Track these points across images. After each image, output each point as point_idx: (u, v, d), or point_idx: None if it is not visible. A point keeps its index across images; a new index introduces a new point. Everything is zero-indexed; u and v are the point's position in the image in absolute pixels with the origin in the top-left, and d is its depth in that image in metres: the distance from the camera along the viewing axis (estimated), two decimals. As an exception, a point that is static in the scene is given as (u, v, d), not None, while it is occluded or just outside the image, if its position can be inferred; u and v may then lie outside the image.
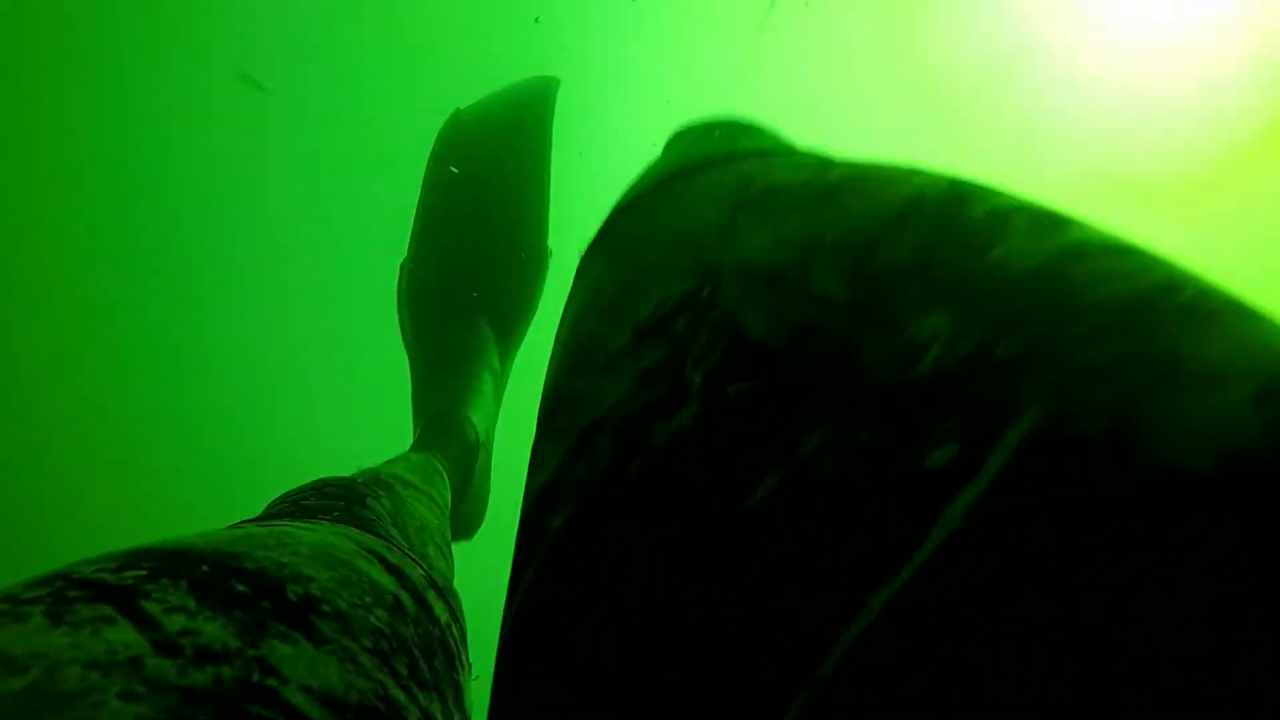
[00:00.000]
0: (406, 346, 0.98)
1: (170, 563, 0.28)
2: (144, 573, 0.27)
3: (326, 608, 0.29)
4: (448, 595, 0.42)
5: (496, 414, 0.93)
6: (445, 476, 0.72)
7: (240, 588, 0.28)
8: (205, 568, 0.28)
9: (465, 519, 0.84)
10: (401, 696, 0.29)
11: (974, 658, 0.14)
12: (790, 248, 0.25)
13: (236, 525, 0.36)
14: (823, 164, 0.29)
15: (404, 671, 0.31)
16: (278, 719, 0.24)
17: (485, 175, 1.04)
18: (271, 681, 0.25)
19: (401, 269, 1.01)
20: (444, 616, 0.39)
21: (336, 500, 0.42)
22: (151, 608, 0.25)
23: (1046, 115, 2.64)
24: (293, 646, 0.27)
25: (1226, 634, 0.13)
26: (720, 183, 0.32)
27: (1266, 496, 0.14)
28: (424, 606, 0.37)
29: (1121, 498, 0.15)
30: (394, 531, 0.45)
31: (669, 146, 0.45)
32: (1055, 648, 0.14)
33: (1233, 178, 2.56)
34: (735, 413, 0.21)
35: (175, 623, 0.25)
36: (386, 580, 0.35)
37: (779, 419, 0.20)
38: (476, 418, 0.83)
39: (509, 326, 0.97)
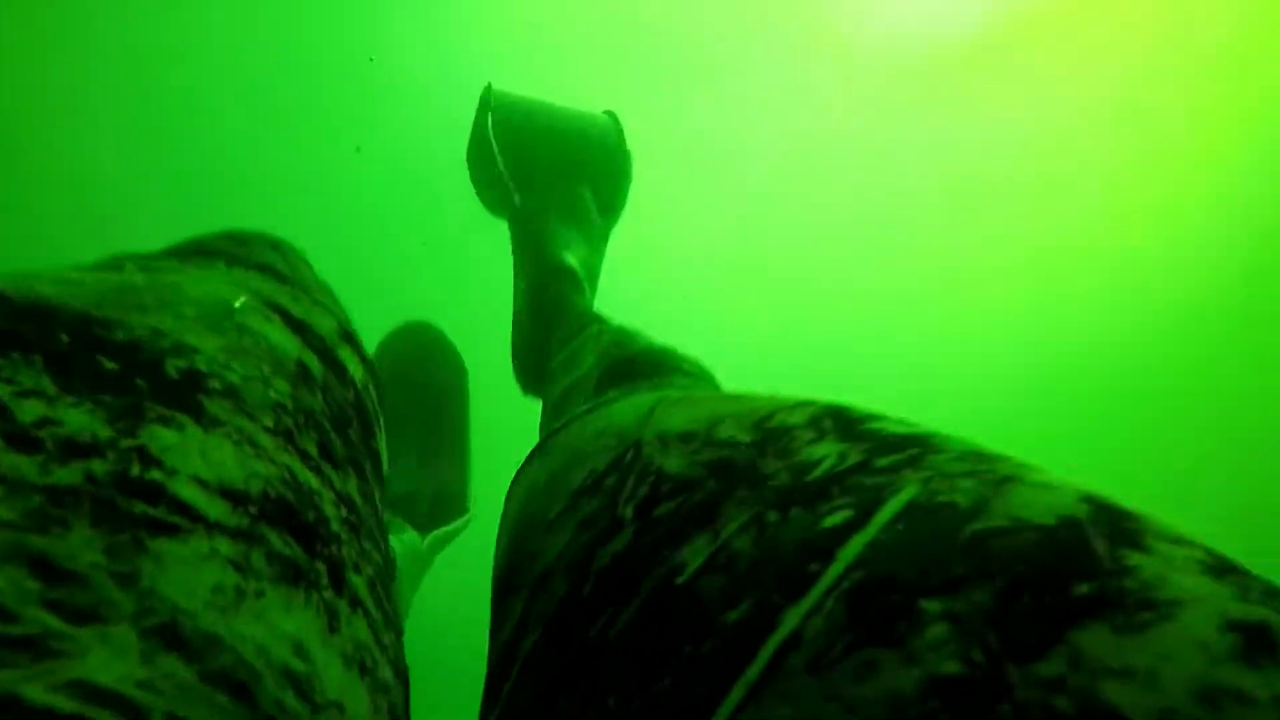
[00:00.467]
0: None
1: (21, 328, 0.23)
2: None
3: (216, 383, 0.26)
4: (360, 344, 0.39)
5: (416, 584, 0.91)
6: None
7: (109, 365, 0.24)
8: (65, 337, 0.24)
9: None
10: (313, 480, 0.27)
11: (874, 655, 0.18)
12: (701, 418, 0.31)
13: (114, 268, 0.31)
14: (733, 392, 0.37)
15: (313, 451, 0.28)
16: (166, 517, 0.22)
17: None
18: (155, 474, 0.22)
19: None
20: (358, 374, 0.36)
21: (245, 244, 0.37)
22: (1, 391, 0.21)
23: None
24: (178, 432, 0.23)
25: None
26: (641, 401, 0.38)
27: (1095, 533, 0.19)
28: (334, 368, 0.34)
29: (981, 535, 0.19)
30: (305, 272, 0.41)
31: (598, 382, 0.53)
32: (930, 641, 0.18)
33: (983, 58, 2.60)
34: (663, 524, 0.26)
35: (30, 410, 0.21)
36: (288, 342, 0.31)
37: (699, 520, 0.25)
38: (397, 548, 0.80)
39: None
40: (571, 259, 0.79)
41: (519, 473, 0.41)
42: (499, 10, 2.65)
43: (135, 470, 0.22)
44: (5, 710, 0.16)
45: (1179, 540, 0.19)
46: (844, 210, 2.90)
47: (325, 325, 0.35)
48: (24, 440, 0.21)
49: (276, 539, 0.24)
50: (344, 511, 0.28)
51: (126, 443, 0.22)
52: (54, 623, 0.18)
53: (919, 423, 0.27)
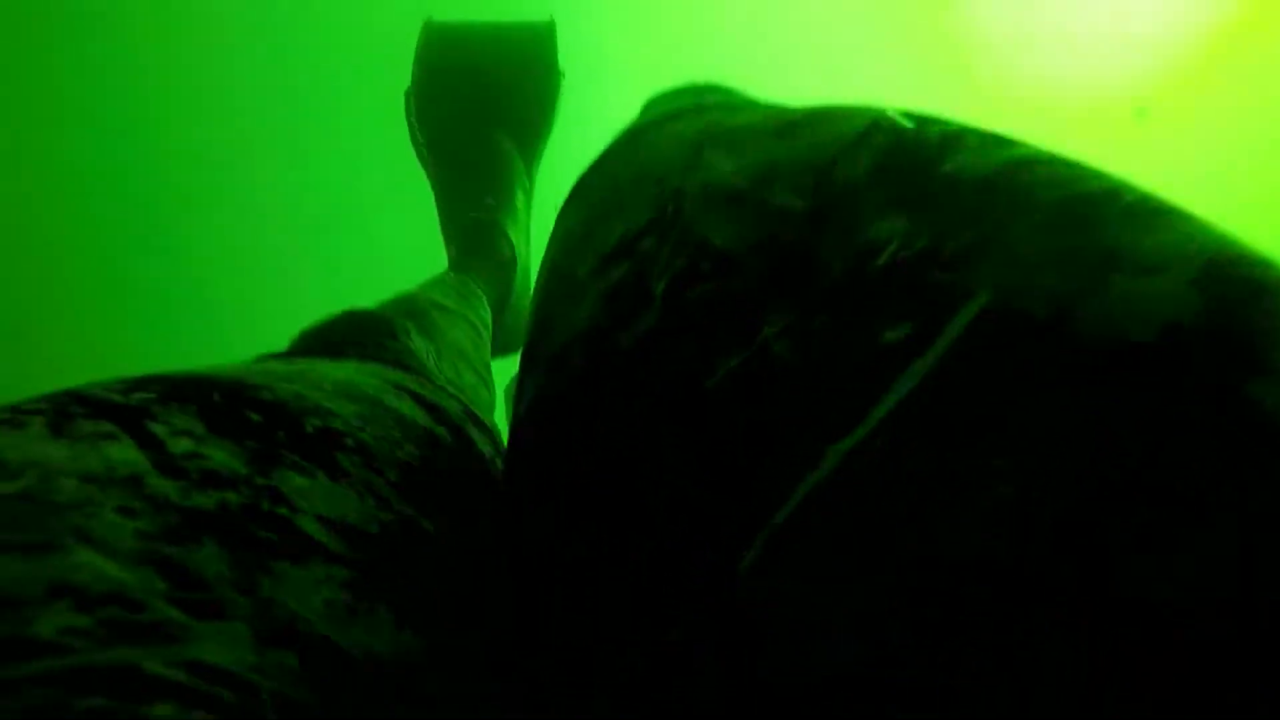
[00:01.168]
0: (427, 173, 0.96)
1: (182, 389, 0.27)
2: (152, 395, 0.26)
3: (349, 441, 0.28)
4: (489, 429, 0.41)
5: (529, 230, 0.92)
6: (483, 296, 0.71)
7: (254, 417, 0.27)
8: (218, 396, 0.27)
9: (507, 333, 0.85)
10: (429, 525, 0.28)
11: (923, 506, 0.16)
12: (752, 171, 0.26)
13: (257, 360, 0.35)
14: (783, 109, 0.31)
15: (435, 504, 0.30)
16: (289, 544, 0.23)
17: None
18: (283, 510, 0.24)
19: (407, 96, 0.98)
20: (487, 449, 0.38)
21: (365, 333, 0.41)
22: (157, 429, 0.25)
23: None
24: (309, 479, 0.26)
25: (1162, 476, 0.14)
26: (685, 129, 0.33)
27: (1204, 357, 0.15)
28: (463, 441, 0.36)
29: (1066, 363, 0.16)
30: (428, 364, 0.44)
31: (643, 110, 0.48)
32: (1008, 497, 0.15)
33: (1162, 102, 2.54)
34: (694, 311, 0.23)
35: (181, 445, 0.24)
36: (419, 414, 0.34)
37: (737, 313, 0.22)
38: (511, 231, 0.82)
39: (529, 140, 0.95)
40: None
41: (558, 217, 0.37)
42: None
43: (266, 505, 0.24)
44: (125, 679, 0.17)
45: None
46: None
47: (452, 407, 0.37)
48: (172, 469, 0.23)
49: (392, 569, 0.25)
50: (456, 561, 0.28)
51: (261, 481, 0.25)
52: (176, 614, 0.20)
53: (1010, 143, 0.22)
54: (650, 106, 0.46)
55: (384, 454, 0.29)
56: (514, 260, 0.79)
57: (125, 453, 0.23)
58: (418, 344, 0.44)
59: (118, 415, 0.25)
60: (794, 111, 0.29)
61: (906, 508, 0.16)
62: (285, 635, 0.21)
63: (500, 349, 0.85)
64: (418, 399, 0.35)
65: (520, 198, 0.90)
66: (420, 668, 0.23)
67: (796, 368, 0.20)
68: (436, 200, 0.96)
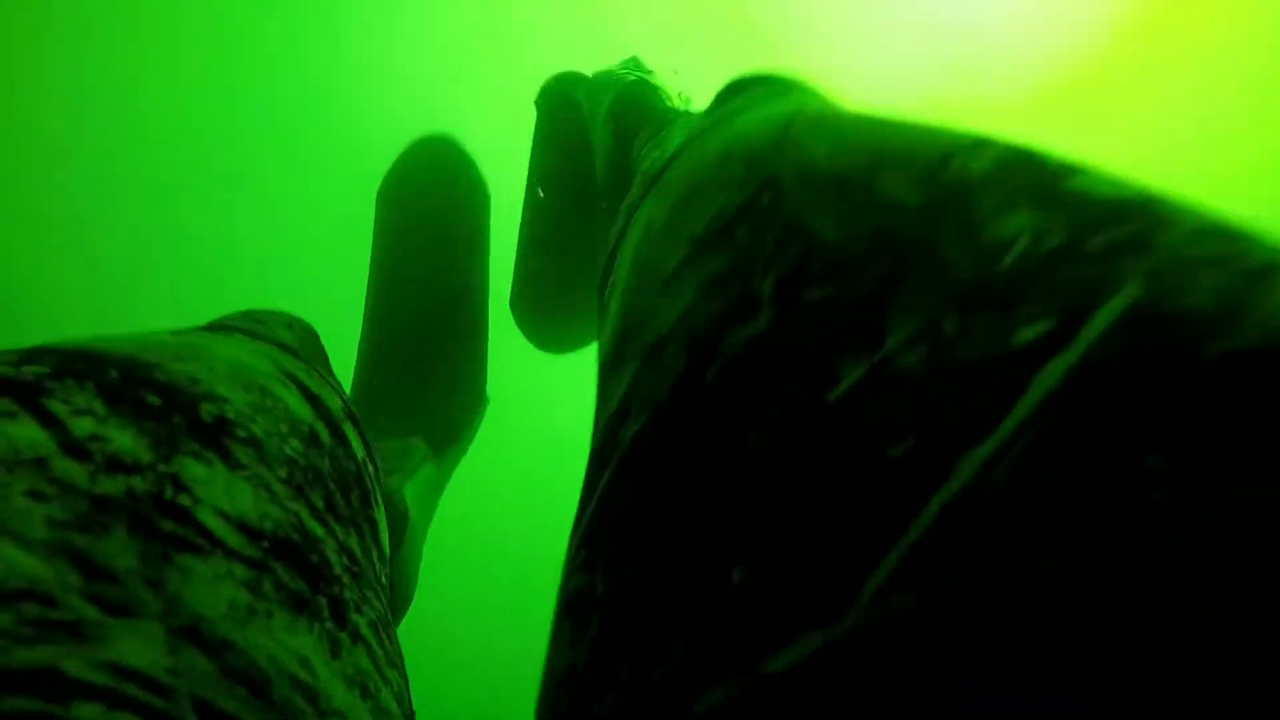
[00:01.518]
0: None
1: (75, 363, 0.26)
2: (45, 370, 0.25)
3: (241, 432, 0.28)
4: (362, 427, 0.41)
5: (430, 513, 0.88)
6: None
7: (152, 399, 0.26)
8: (114, 373, 0.27)
9: (393, 599, 0.81)
10: (318, 529, 0.29)
11: (1068, 517, 0.14)
12: (854, 155, 0.25)
13: (148, 332, 0.34)
14: (882, 116, 0.29)
15: (320, 504, 0.30)
16: (192, 538, 0.24)
17: (426, 288, 0.98)
18: (184, 500, 0.24)
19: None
20: (360, 452, 0.38)
21: (260, 323, 0.40)
22: (56, 407, 0.24)
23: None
24: (206, 467, 0.26)
25: None
26: (771, 111, 0.31)
27: None
28: (341, 440, 0.36)
29: (1233, 362, 0.14)
30: (317, 350, 0.44)
31: (716, 98, 0.45)
32: (1157, 506, 0.13)
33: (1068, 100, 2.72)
34: (813, 315, 0.21)
35: (83, 426, 0.24)
36: (303, 410, 0.34)
37: (859, 318, 0.20)
38: (410, 495, 0.80)
39: (445, 442, 0.92)
40: (636, 75, 0.77)
41: (630, 217, 0.35)
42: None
43: (169, 493, 0.24)
44: (46, 680, 0.18)
45: None
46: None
47: (334, 403, 0.37)
48: (77, 451, 0.23)
49: (284, 572, 0.26)
50: (345, 560, 0.29)
51: (163, 468, 0.25)
52: (91, 612, 0.20)
53: (1129, 182, 0.21)
54: (724, 94, 0.43)
55: (273, 449, 0.30)
56: (407, 519, 0.77)
57: (27, 431, 0.23)
58: (317, 345, 0.44)
59: (12, 390, 0.24)
60: (890, 116, 0.28)
61: (1050, 520, 0.14)
62: (194, 636, 0.21)
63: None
64: (304, 390, 0.35)
65: (425, 475, 0.84)
66: (320, 681, 0.24)
67: (926, 377, 0.18)
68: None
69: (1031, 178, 0.21)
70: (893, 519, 0.16)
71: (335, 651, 0.26)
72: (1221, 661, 0.12)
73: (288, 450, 0.30)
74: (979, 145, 0.23)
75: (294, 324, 0.42)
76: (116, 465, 0.24)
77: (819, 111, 0.29)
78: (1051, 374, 0.16)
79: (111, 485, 0.23)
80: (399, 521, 0.80)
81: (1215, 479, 0.13)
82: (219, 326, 0.39)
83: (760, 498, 0.19)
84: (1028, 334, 0.17)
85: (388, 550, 0.40)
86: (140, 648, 0.20)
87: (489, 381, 0.99)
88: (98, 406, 0.25)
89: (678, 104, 0.79)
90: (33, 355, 0.26)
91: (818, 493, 0.18)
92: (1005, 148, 0.22)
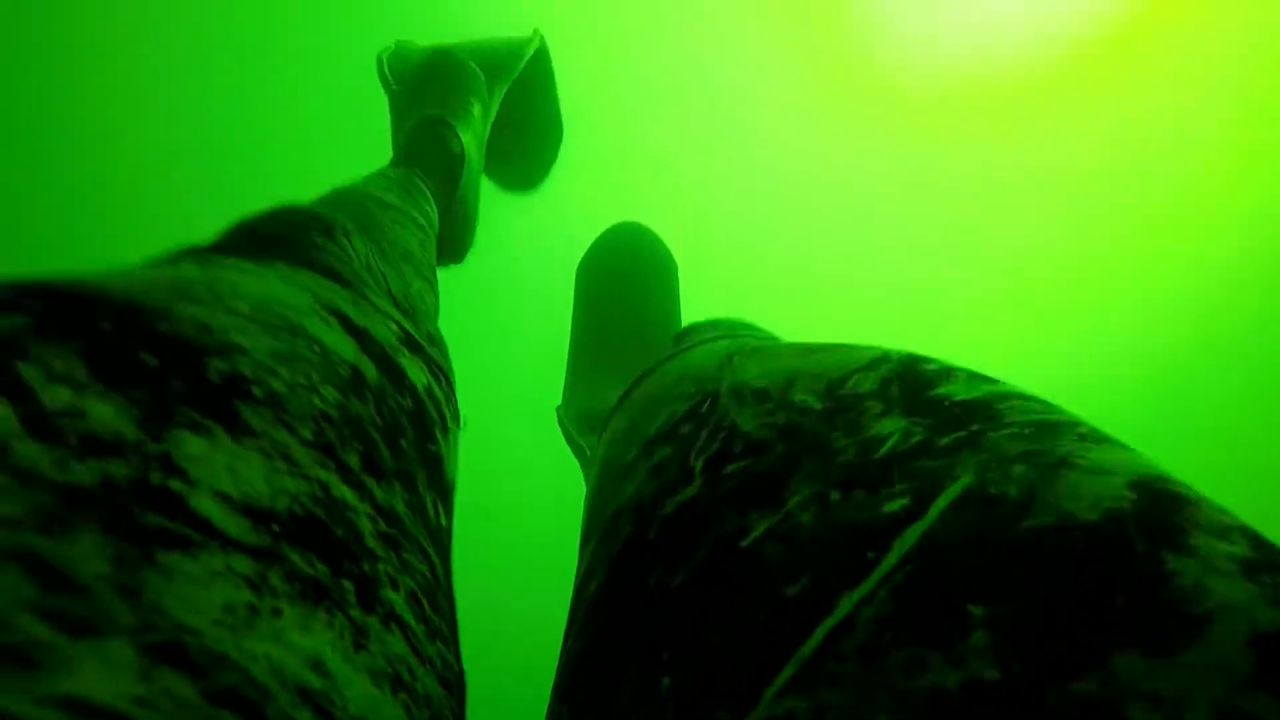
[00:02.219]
0: (387, 90, 0.91)
1: (66, 312, 0.23)
2: (29, 319, 0.22)
3: (257, 390, 0.25)
4: (426, 349, 0.38)
5: (483, 144, 0.88)
6: (429, 194, 0.66)
7: (148, 359, 0.23)
8: (107, 325, 0.23)
9: (454, 240, 0.81)
10: (349, 495, 0.26)
11: (917, 643, 0.19)
12: (776, 375, 0.32)
13: (170, 259, 0.30)
14: (803, 342, 0.37)
15: (355, 463, 0.27)
16: (181, 531, 0.21)
17: None
18: (176, 483, 0.21)
19: (380, 58, 0.94)
20: (420, 379, 0.35)
21: (299, 230, 0.37)
22: (29, 373, 0.21)
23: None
24: (207, 440, 0.23)
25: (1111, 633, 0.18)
26: (719, 347, 0.40)
27: (1136, 537, 0.20)
28: (392, 374, 0.33)
29: (1029, 533, 0.21)
30: (370, 270, 0.40)
31: (676, 339, 0.56)
32: (972, 647, 0.19)
33: (1064, 82, 2.62)
34: (730, 483, 0.27)
35: (58, 396, 0.21)
36: (345, 347, 0.31)
37: (766, 486, 0.26)
38: (463, 132, 0.78)
39: (497, 71, 0.92)
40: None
41: (604, 426, 0.44)
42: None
43: (156, 478, 0.21)
44: None
45: (1223, 531, 0.20)
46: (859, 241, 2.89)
47: (384, 332, 0.34)
48: (45, 429, 0.20)
49: (299, 558, 0.23)
50: (382, 525, 0.26)
51: (151, 447, 0.22)
52: (45, 633, 0.17)
53: (992, 380, 0.28)
54: (682, 337, 0.55)
55: (298, 405, 0.26)
56: (463, 157, 0.74)
57: None
58: (358, 246, 0.40)
59: None
60: (812, 343, 0.36)
61: (905, 645, 0.19)
62: (174, 654, 0.19)
63: (446, 255, 0.81)
64: (346, 324, 0.32)
65: (478, 108, 0.86)
66: (337, 682, 0.21)
67: (817, 530, 0.23)
68: (391, 116, 0.91)
69: (906, 388, 0.28)
70: (788, 639, 0.21)
71: (360, 642, 0.23)
72: None
73: (317, 402, 0.27)
74: (871, 365, 0.30)
75: (333, 228, 0.39)
76: (92, 446, 0.21)
77: (755, 346, 0.38)
78: (908, 537, 0.22)
79: (84, 472, 0.20)
80: (455, 162, 0.82)
81: (1017, 622, 0.18)
82: (251, 238, 0.36)
83: (685, 624, 0.24)
84: (892, 506, 0.23)
85: (453, 477, 0.37)
86: (104, 676, 0.17)
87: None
88: (79, 370, 0.22)
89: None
90: (19, 297, 0.23)
91: (731, 619, 0.23)
92: (891, 364, 0.29)
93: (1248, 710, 0.16)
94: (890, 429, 0.26)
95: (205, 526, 0.21)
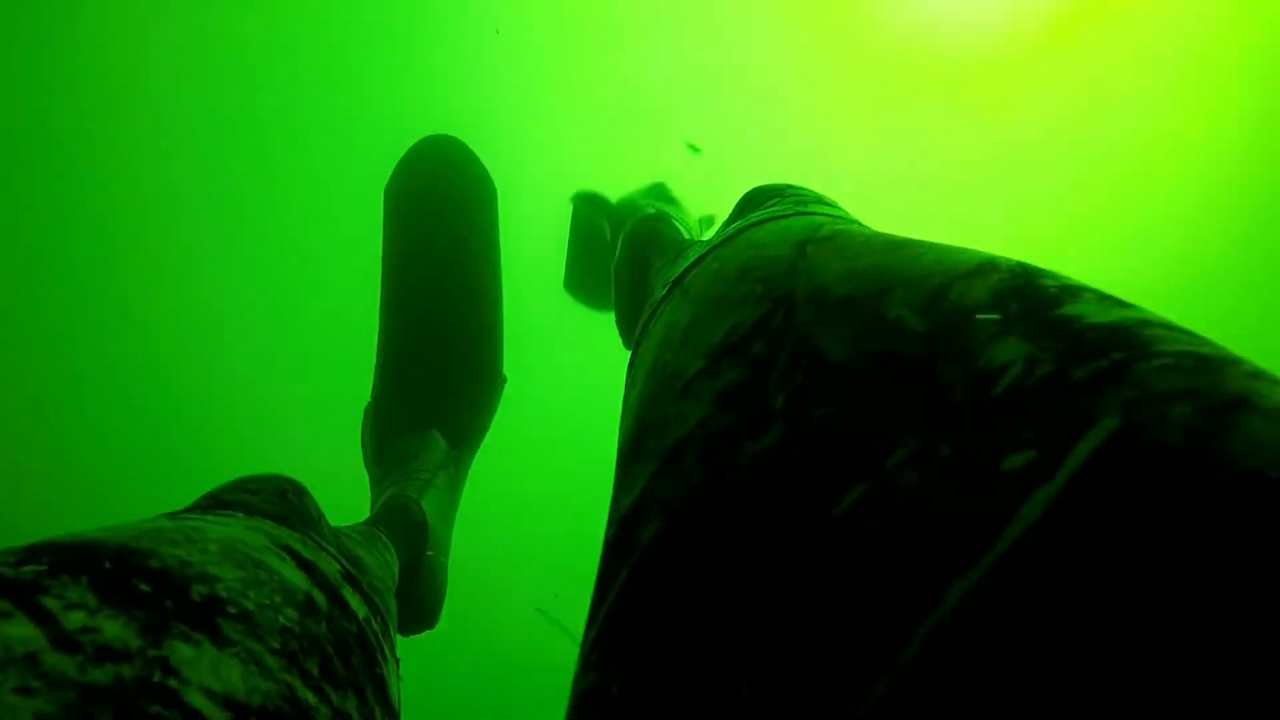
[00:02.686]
0: (369, 473, 0.99)
1: (71, 558, 0.28)
2: (44, 568, 0.27)
3: (232, 609, 0.30)
4: (367, 589, 0.43)
5: (452, 513, 0.93)
6: (390, 548, 0.68)
7: (143, 586, 0.28)
8: (108, 564, 0.29)
9: (421, 606, 0.82)
10: (311, 697, 0.30)
11: (1047, 643, 0.15)
12: (863, 279, 0.27)
13: (148, 520, 0.36)
14: (893, 236, 0.32)
15: (315, 671, 0.31)
16: (179, 718, 0.25)
17: (440, 287, 1.06)
18: (173, 682, 0.26)
19: (366, 411, 1.03)
20: (361, 611, 0.40)
21: (254, 495, 0.42)
22: (50, 604, 0.26)
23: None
24: (195, 648, 0.27)
25: None
26: (789, 227, 0.34)
27: None
28: (338, 603, 0.38)
29: (1203, 498, 0.16)
30: (316, 519, 0.46)
31: (737, 206, 0.49)
32: (1131, 635, 0.15)
33: (1030, 58, 2.85)
34: (821, 432, 0.23)
35: (75, 620, 0.26)
36: (298, 578, 0.36)
37: (864, 438, 0.22)
38: (427, 504, 0.83)
39: (462, 437, 0.99)
40: (656, 207, 0.83)
41: (654, 312, 0.38)
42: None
43: (156, 676, 0.26)
44: None
45: None
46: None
47: (330, 568, 0.39)
48: (67, 644, 0.25)
49: None
50: None
51: (152, 653, 0.26)
52: None
53: (1128, 304, 0.23)
54: (744, 204, 0.47)
55: (266, 621, 0.31)
56: (426, 526, 0.80)
57: (20, 629, 0.25)
58: (305, 505, 0.46)
59: (10, 591, 0.26)
60: (899, 236, 0.30)
61: (1029, 649, 0.15)
62: None
63: (408, 624, 0.82)
64: (297, 559, 0.37)
65: (442, 478, 0.91)
66: None
67: (922, 497, 0.19)
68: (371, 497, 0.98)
69: (1026, 305, 0.23)
70: (884, 644, 0.17)
71: None
72: None
73: (281, 620, 0.32)
74: (978, 272, 0.25)
75: (287, 490, 0.45)
76: (106, 654, 0.25)
77: (832, 231, 0.32)
78: (1034, 506, 0.17)
79: (100, 674, 0.25)
80: (418, 530, 0.82)
81: (1182, 616, 0.14)
82: (215, 503, 0.41)
83: (768, 614, 0.20)
84: (1016, 461, 0.19)
85: (398, 701, 0.40)
86: None
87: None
88: (90, 599, 0.27)
89: (695, 233, 0.87)
90: (33, 553, 0.28)
91: (819, 614, 0.19)
92: (1002, 274, 0.24)
93: None
94: (1010, 355, 0.21)
95: (197, 715, 0.25)
